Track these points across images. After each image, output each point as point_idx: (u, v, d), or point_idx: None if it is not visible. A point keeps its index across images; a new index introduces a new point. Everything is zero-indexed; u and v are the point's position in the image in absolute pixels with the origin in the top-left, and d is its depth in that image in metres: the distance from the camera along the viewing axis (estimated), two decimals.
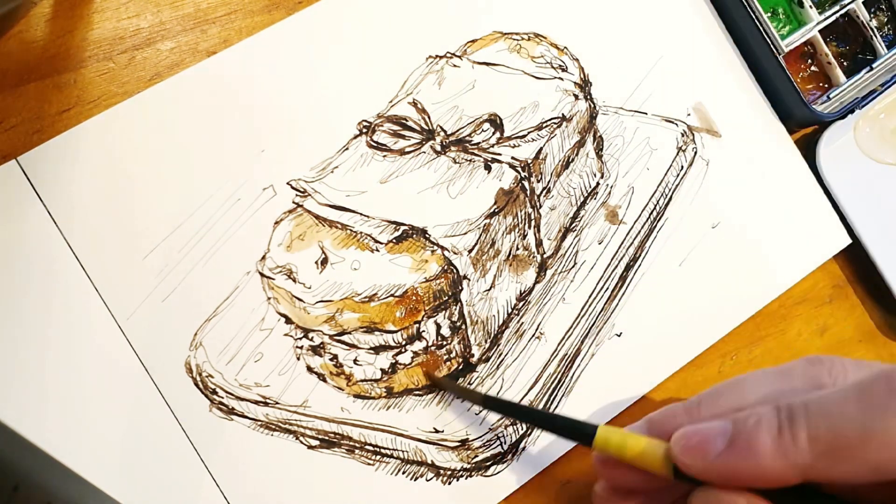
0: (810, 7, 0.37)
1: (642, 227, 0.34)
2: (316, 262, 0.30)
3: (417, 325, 0.30)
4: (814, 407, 0.22)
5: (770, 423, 0.22)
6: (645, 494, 0.27)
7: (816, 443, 0.21)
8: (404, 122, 0.32)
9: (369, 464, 0.30)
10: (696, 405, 0.26)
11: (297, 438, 0.30)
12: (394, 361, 0.30)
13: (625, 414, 0.32)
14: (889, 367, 0.21)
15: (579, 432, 0.27)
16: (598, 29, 0.35)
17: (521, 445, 0.31)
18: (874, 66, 0.38)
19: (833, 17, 0.37)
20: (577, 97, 0.34)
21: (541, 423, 0.29)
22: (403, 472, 0.30)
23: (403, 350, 0.30)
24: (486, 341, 0.31)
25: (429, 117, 0.32)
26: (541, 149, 0.32)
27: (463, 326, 0.31)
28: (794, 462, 0.22)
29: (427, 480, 0.30)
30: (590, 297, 0.33)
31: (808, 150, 0.37)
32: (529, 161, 0.32)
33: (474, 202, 0.31)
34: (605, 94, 0.35)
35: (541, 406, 0.32)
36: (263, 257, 0.30)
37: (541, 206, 0.33)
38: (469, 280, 0.30)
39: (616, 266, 0.34)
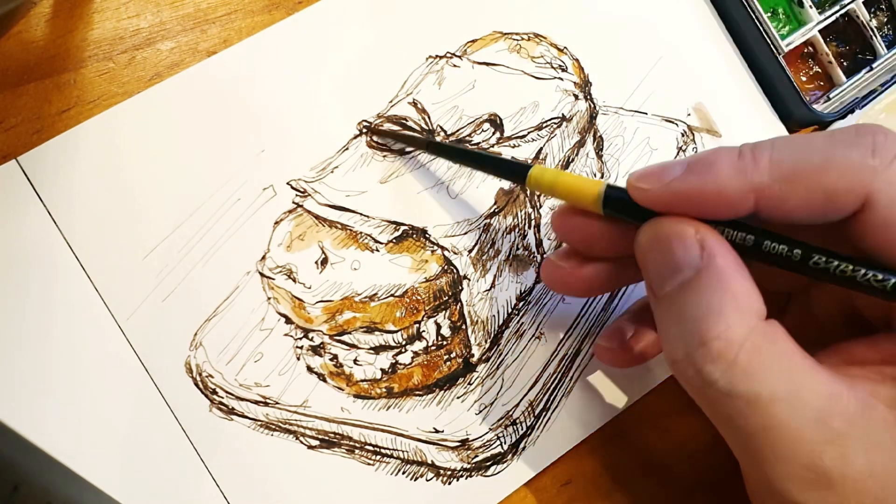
0: (810, 7, 0.37)
1: None
2: (316, 262, 0.30)
3: (417, 325, 0.30)
4: (780, 140, 0.22)
5: (731, 150, 0.23)
6: (605, 262, 0.27)
7: (778, 166, 0.22)
8: (404, 122, 0.32)
9: (369, 464, 0.30)
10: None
11: (297, 438, 0.30)
12: (394, 361, 0.30)
13: (625, 414, 0.32)
14: (862, 123, 0.23)
15: (514, 171, 0.27)
16: (598, 29, 0.35)
17: (521, 445, 0.31)
18: (874, 66, 0.38)
19: (833, 17, 0.37)
20: (577, 97, 0.34)
21: (479, 164, 0.30)
22: (403, 472, 0.30)
23: (403, 350, 0.30)
24: (486, 341, 0.31)
25: (429, 117, 0.32)
26: (541, 149, 0.32)
27: (463, 326, 0.31)
28: (752, 181, 0.22)
29: (427, 480, 0.30)
30: (590, 297, 0.33)
31: None
32: (529, 161, 0.32)
33: (474, 202, 0.31)
34: (605, 94, 0.35)
35: (541, 406, 0.32)
36: (263, 257, 0.30)
37: (541, 206, 0.33)
38: (469, 280, 0.30)
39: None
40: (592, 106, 0.34)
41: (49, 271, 0.28)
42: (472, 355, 0.31)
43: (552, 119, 0.33)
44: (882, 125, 0.22)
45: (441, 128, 0.32)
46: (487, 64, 0.33)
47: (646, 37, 0.35)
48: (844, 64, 0.39)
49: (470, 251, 0.30)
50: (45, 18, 0.29)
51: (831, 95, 0.37)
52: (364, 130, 0.32)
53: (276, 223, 0.30)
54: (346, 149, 0.31)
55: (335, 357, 0.30)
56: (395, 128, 0.31)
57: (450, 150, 0.30)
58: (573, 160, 0.33)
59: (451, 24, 0.33)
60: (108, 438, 0.28)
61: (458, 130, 0.32)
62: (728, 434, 0.23)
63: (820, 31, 0.37)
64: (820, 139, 0.22)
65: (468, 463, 0.31)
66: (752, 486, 0.25)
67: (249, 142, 0.30)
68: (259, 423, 0.29)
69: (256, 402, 0.29)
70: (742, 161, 0.22)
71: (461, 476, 0.30)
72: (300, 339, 0.30)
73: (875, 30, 0.38)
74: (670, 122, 0.35)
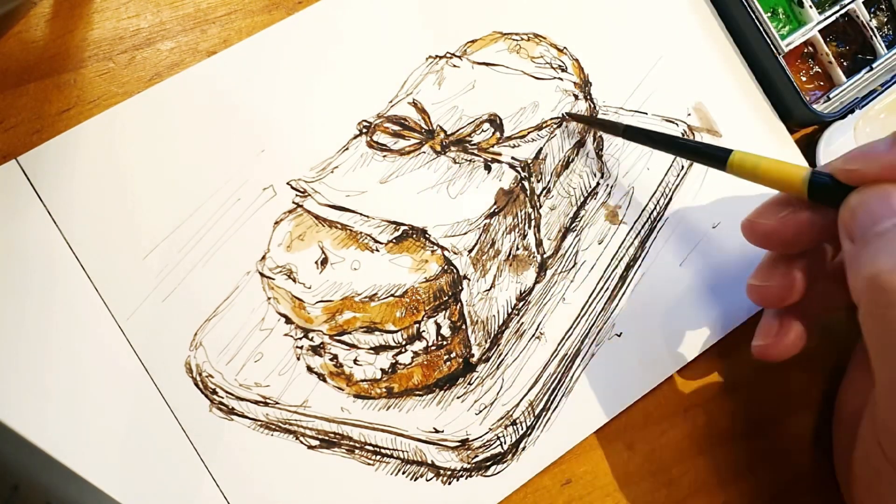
0: (810, 7, 0.37)
1: (642, 227, 0.34)
2: (316, 262, 0.30)
3: (417, 325, 0.30)
4: None
5: None
6: (801, 259, 0.28)
7: None
8: (404, 122, 0.32)
9: (369, 464, 0.30)
10: None
11: (297, 438, 0.30)
12: (394, 361, 0.30)
13: (625, 414, 0.32)
14: None
15: (714, 155, 0.29)
16: (597, 29, 0.35)
17: (521, 445, 0.31)
18: (874, 66, 0.38)
19: (833, 17, 0.37)
20: (576, 97, 0.34)
21: (677, 149, 0.31)
22: (403, 472, 0.30)
23: (403, 350, 0.30)
24: (486, 341, 0.31)
25: (429, 117, 0.32)
26: (541, 149, 0.32)
27: (463, 326, 0.31)
28: None
29: (427, 480, 0.30)
30: (590, 297, 0.33)
31: (809, 150, 0.37)
32: (529, 161, 0.32)
33: (474, 202, 0.31)
34: (605, 95, 0.35)
35: (541, 406, 0.32)
36: (263, 257, 0.30)
37: (541, 206, 0.33)
38: (469, 280, 0.30)
39: (616, 266, 0.34)
40: (592, 106, 0.34)
41: (49, 271, 0.28)
42: (472, 355, 0.31)
43: (552, 119, 0.33)
44: None
45: (441, 128, 0.32)
46: (487, 64, 0.33)
47: (646, 37, 0.35)
48: (844, 64, 0.39)
49: (470, 251, 0.30)
50: (45, 18, 0.29)
51: (831, 95, 0.37)
52: (364, 130, 0.32)
53: (276, 223, 0.30)
54: (346, 149, 0.31)
55: (335, 357, 0.30)
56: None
57: (647, 134, 0.31)
58: (573, 160, 0.33)
59: (451, 24, 0.33)
60: (108, 438, 0.28)
61: (458, 130, 0.32)
62: None
63: (820, 31, 0.37)
64: None
65: (468, 463, 0.31)
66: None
67: (249, 142, 0.30)
68: (259, 423, 0.29)
69: (256, 402, 0.29)
70: None
71: (461, 476, 0.30)
72: (300, 339, 0.30)
73: (875, 30, 0.38)
74: (670, 121, 0.35)
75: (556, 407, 0.32)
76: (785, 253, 0.29)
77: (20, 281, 0.28)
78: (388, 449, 0.30)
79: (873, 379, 0.26)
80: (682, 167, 0.35)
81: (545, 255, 0.33)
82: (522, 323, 0.32)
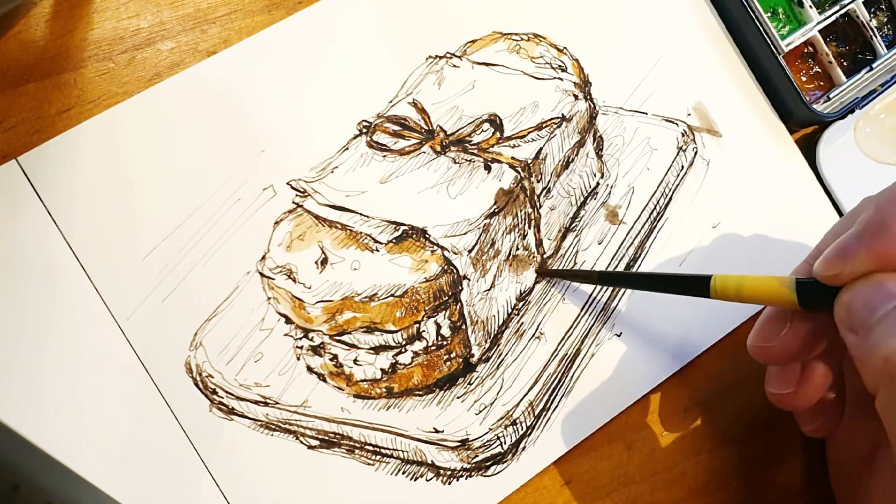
0: (810, 7, 0.37)
1: (642, 227, 0.34)
2: (316, 262, 0.30)
3: (417, 325, 0.30)
4: None
5: (888, 198, 0.24)
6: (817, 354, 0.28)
7: None
8: (404, 122, 0.32)
9: (369, 464, 0.30)
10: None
11: (297, 438, 0.30)
12: (394, 361, 0.30)
13: (625, 414, 0.32)
14: None
15: (696, 285, 0.28)
16: (597, 29, 0.35)
17: (522, 445, 0.31)
18: (874, 66, 0.38)
19: (833, 17, 0.37)
20: (576, 97, 0.34)
21: (656, 286, 0.30)
22: (403, 472, 0.30)
23: (403, 350, 0.30)
24: (486, 341, 0.31)
25: (429, 117, 0.32)
26: (541, 149, 0.32)
27: (463, 326, 0.31)
28: None
29: (427, 480, 0.30)
30: (590, 297, 0.33)
31: (809, 149, 0.37)
32: (529, 161, 0.32)
33: (474, 202, 0.31)
34: (605, 94, 0.35)
35: (541, 406, 0.32)
36: (263, 257, 0.30)
37: (541, 206, 0.33)
38: (469, 280, 0.30)
39: (616, 266, 0.34)
40: (592, 106, 0.34)
41: (49, 271, 0.28)
42: (472, 355, 0.31)
43: (552, 119, 0.33)
44: None
45: (441, 128, 0.32)
46: (487, 64, 0.33)
47: (646, 37, 0.35)
48: (844, 64, 0.39)
49: (470, 251, 0.30)
50: (45, 18, 0.29)
51: (831, 95, 0.37)
52: (364, 130, 0.32)
53: (276, 223, 0.30)
54: (346, 149, 0.31)
55: (335, 357, 0.30)
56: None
57: (623, 278, 0.31)
58: (573, 160, 0.33)
59: (451, 25, 0.33)
60: (108, 438, 0.28)
61: (458, 130, 0.32)
62: None
63: (820, 31, 0.37)
64: None
65: (468, 463, 0.31)
66: None
67: (249, 142, 0.30)
68: (259, 423, 0.29)
69: (256, 402, 0.29)
70: None
71: (461, 476, 0.30)
72: (300, 339, 0.30)
73: (875, 30, 0.38)
74: (670, 121, 0.35)
75: (556, 407, 0.32)
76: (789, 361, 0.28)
77: (20, 281, 0.28)
78: (388, 449, 0.30)
79: (874, 441, 0.25)
80: (683, 167, 0.35)
81: (545, 255, 0.33)
82: (522, 323, 0.32)
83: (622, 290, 0.33)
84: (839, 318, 0.24)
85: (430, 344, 0.31)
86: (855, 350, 0.24)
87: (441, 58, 0.33)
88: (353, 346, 0.30)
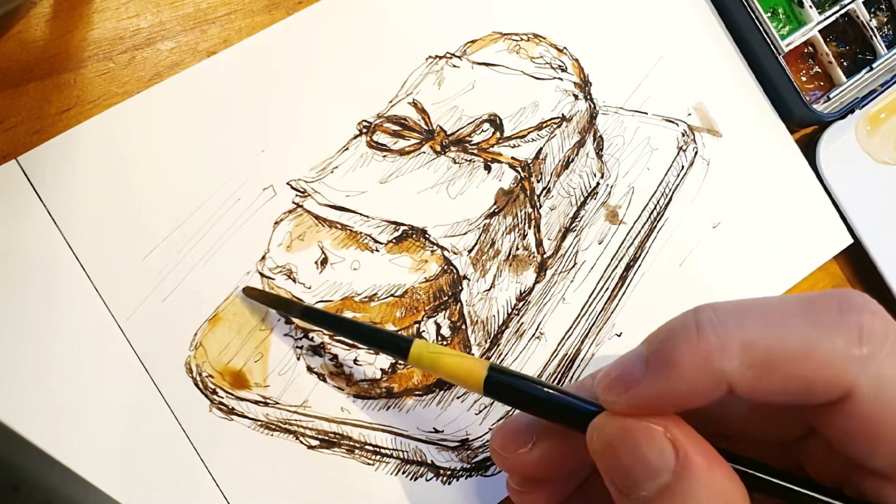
0: (810, 7, 0.37)
1: (642, 227, 0.34)
2: (316, 263, 0.30)
3: (417, 325, 0.30)
4: (751, 311, 0.20)
5: (684, 326, 0.20)
6: (554, 482, 0.25)
7: (750, 350, 0.19)
8: (404, 122, 0.32)
9: (369, 464, 0.30)
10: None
11: (297, 438, 0.30)
12: (394, 361, 0.30)
13: None
14: (840, 289, 0.20)
15: (395, 346, 0.25)
16: (597, 29, 0.35)
17: None
18: (874, 66, 0.38)
19: (833, 17, 0.37)
20: (576, 97, 0.34)
21: (357, 336, 0.27)
22: (403, 472, 0.30)
23: None
24: (486, 341, 0.31)
25: (429, 117, 0.32)
26: (541, 149, 0.32)
27: (463, 326, 0.31)
28: (721, 369, 0.19)
29: (427, 480, 0.30)
30: (590, 297, 0.33)
31: (809, 150, 0.37)
32: (529, 161, 0.32)
33: (474, 202, 0.31)
34: (605, 94, 0.35)
35: None
36: (263, 257, 0.30)
37: (541, 206, 0.33)
38: (469, 280, 0.30)
39: (616, 266, 0.34)
40: (592, 106, 0.34)
41: (49, 271, 0.28)
42: (472, 355, 0.31)
43: (552, 119, 0.33)
44: (867, 297, 0.20)
45: (441, 128, 0.32)
46: (487, 64, 0.33)
47: (646, 37, 0.35)
48: (844, 64, 0.39)
49: (470, 251, 0.30)
50: (45, 18, 0.29)
51: (831, 95, 0.37)
52: (364, 130, 0.32)
53: (276, 223, 0.30)
54: (346, 149, 0.31)
55: (335, 357, 0.30)
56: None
57: (325, 318, 0.28)
58: (573, 160, 0.33)
59: (451, 25, 0.33)
60: (108, 438, 0.28)
61: (458, 130, 0.32)
62: None
63: (820, 31, 0.37)
64: (798, 317, 0.19)
65: (468, 463, 0.31)
66: None
67: (249, 142, 0.30)
68: (259, 423, 0.29)
69: (256, 402, 0.29)
70: (706, 345, 0.19)
71: (461, 476, 0.30)
72: (300, 339, 0.30)
73: (875, 30, 0.38)
74: (671, 121, 0.35)
75: None
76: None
77: (20, 281, 0.28)
78: (388, 449, 0.30)
79: None
80: (683, 167, 0.35)
81: (545, 255, 0.33)
82: (522, 323, 0.32)
83: (620, 290, 0.33)
84: (593, 456, 0.21)
85: None
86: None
87: (441, 58, 0.33)
88: (353, 346, 0.30)
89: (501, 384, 0.23)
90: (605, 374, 0.21)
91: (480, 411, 0.31)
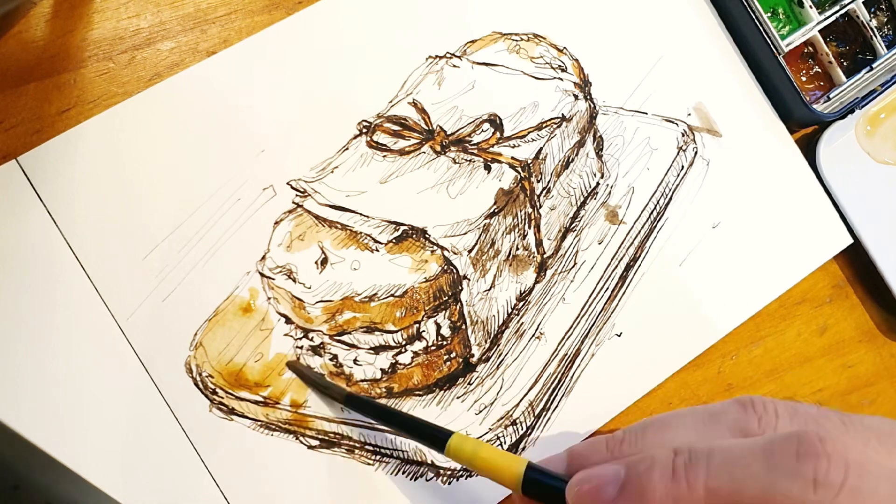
0: (810, 7, 0.37)
1: (642, 227, 0.34)
2: (316, 262, 0.30)
3: (417, 325, 0.30)
4: (718, 457, 0.21)
5: (664, 466, 0.22)
6: None
7: (715, 495, 0.21)
8: (404, 122, 0.32)
9: (369, 464, 0.30)
10: (618, 441, 0.26)
11: (297, 438, 0.30)
12: (394, 361, 0.30)
13: (625, 414, 0.32)
14: (801, 431, 0.21)
15: (434, 438, 0.26)
16: (597, 29, 0.35)
17: (522, 445, 0.31)
18: (874, 66, 0.38)
19: (833, 17, 0.37)
20: (576, 97, 0.34)
21: (399, 426, 0.28)
22: (403, 472, 0.30)
23: (403, 350, 0.30)
24: (486, 341, 0.31)
25: (429, 117, 0.32)
26: (541, 149, 0.32)
27: (463, 326, 0.31)
28: None
29: (427, 480, 0.30)
30: (590, 297, 0.33)
31: (809, 149, 0.37)
32: (529, 161, 0.32)
33: (474, 202, 0.31)
34: (605, 94, 0.35)
35: (541, 407, 0.32)
36: (263, 257, 0.30)
37: (541, 206, 0.33)
38: (469, 280, 0.30)
39: (616, 266, 0.34)
40: (592, 106, 0.34)
41: (49, 271, 0.28)
42: (472, 355, 0.31)
43: (552, 119, 0.33)
44: (828, 438, 0.20)
45: (441, 128, 0.32)
46: (487, 64, 0.33)
47: (646, 37, 0.35)
48: (844, 64, 0.39)
49: (470, 251, 0.30)
50: (45, 18, 0.29)
51: (831, 95, 0.37)
52: (364, 130, 0.32)
53: (276, 223, 0.30)
54: (346, 149, 0.31)
55: (335, 357, 0.30)
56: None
57: (370, 406, 0.29)
58: (573, 160, 0.33)
59: (451, 25, 0.33)
60: (108, 438, 0.28)
61: (458, 130, 0.32)
62: None
63: (820, 31, 0.37)
64: (759, 463, 0.21)
65: None
66: None
67: (249, 142, 0.30)
68: (259, 423, 0.29)
69: (256, 402, 0.29)
70: (676, 486, 0.21)
71: (461, 476, 0.30)
72: (300, 339, 0.30)
73: (875, 30, 0.38)
74: (670, 121, 0.35)
75: (556, 407, 0.32)
76: None
77: (20, 281, 0.28)
78: (388, 449, 0.30)
79: None
80: (683, 167, 0.35)
81: (545, 255, 0.33)
82: (522, 323, 0.32)
83: (620, 290, 0.33)
84: None
85: (429, 344, 0.31)
86: None
87: (441, 58, 0.33)
88: (352, 346, 0.30)
89: (539, 482, 0.24)
90: (577, 482, 0.23)
91: (480, 411, 0.31)
